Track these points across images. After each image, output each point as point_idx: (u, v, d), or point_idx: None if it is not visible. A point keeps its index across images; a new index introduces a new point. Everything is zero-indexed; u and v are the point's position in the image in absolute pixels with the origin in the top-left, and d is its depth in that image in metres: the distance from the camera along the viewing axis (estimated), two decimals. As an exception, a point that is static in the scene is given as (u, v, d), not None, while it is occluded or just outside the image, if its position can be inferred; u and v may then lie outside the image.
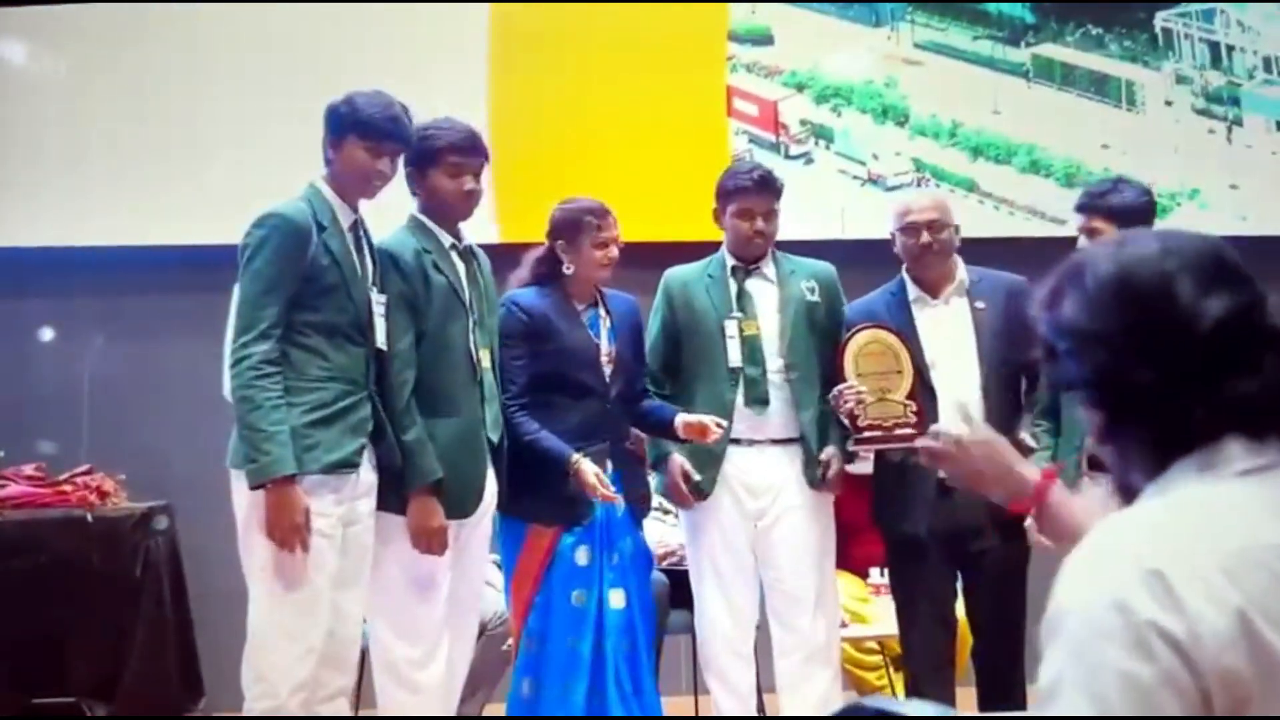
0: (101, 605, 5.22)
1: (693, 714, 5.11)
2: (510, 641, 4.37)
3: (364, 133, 3.56)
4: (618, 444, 4.09)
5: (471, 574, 3.94)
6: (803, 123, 6.75)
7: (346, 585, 3.51)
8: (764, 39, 6.78)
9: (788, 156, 6.72)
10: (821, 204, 6.46)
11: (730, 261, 4.31)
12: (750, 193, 4.21)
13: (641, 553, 4.23)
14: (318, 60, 6.32)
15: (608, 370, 4.10)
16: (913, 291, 4.10)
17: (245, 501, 3.41)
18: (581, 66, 6.63)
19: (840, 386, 3.93)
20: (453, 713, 3.95)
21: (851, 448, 4.04)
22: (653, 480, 4.42)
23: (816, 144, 6.75)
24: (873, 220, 6.57)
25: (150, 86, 6.37)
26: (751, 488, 4.22)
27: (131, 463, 5.62)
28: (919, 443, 3.79)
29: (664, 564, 5.25)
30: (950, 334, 4.08)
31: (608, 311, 4.19)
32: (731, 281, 4.28)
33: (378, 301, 3.59)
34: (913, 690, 4.08)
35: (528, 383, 4.01)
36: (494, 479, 3.91)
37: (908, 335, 4.03)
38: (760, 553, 4.26)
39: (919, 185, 6.73)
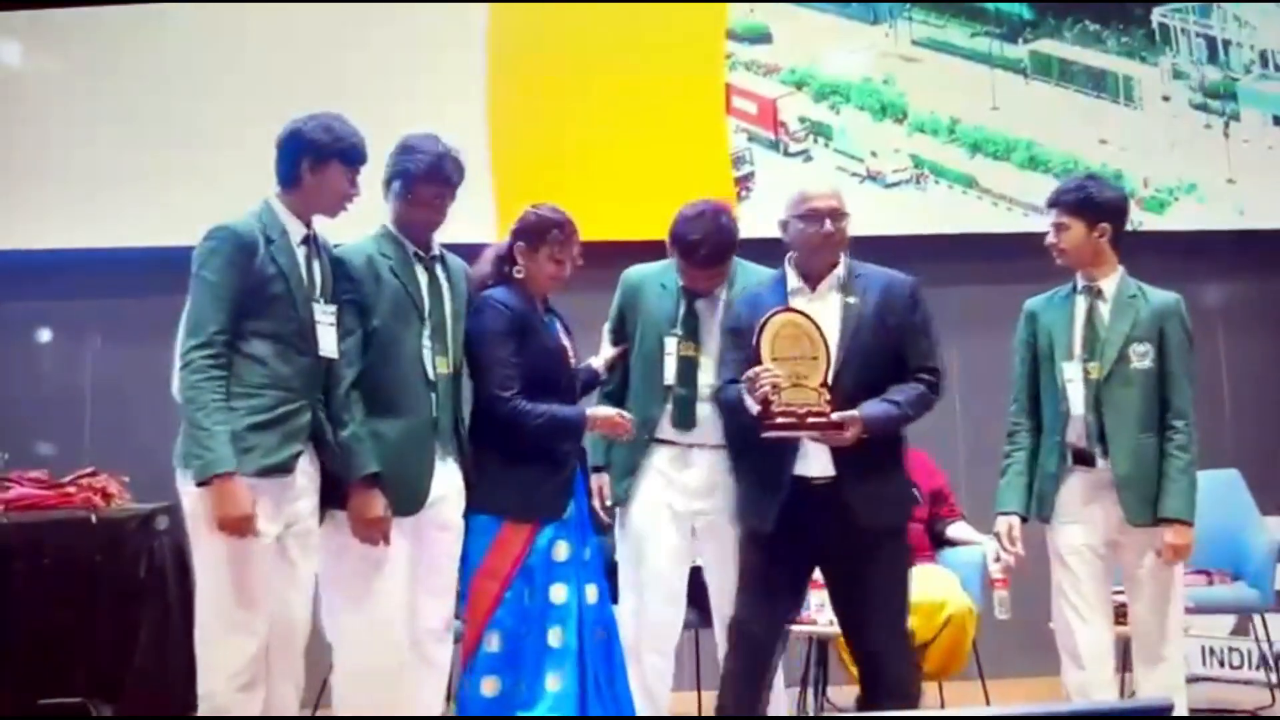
0: (106, 606, 5.23)
1: (695, 711, 5.13)
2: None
3: (347, 159, 3.74)
4: (575, 444, 4.13)
5: (438, 572, 3.96)
6: (801, 120, 6.78)
7: (291, 579, 3.64)
8: (762, 37, 6.80)
9: (787, 154, 6.75)
10: (820, 201, 6.48)
11: (682, 280, 4.27)
12: (692, 263, 4.15)
13: (600, 550, 4.25)
14: (319, 62, 6.35)
15: (571, 372, 4.17)
16: (793, 282, 3.99)
17: (191, 498, 3.56)
18: (580, 65, 6.65)
19: (756, 369, 3.77)
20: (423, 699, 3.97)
21: (762, 435, 3.81)
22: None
23: (815, 141, 6.78)
24: (871, 218, 6.60)
25: (154, 89, 6.40)
26: (683, 488, 4.21)
27: (135, 463, 5.63)
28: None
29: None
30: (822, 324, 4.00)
31: (556, 316, 4.22)
32: (682, 299, 4.25)
33: (323, 312, 3.72)
34: (727, 680, 3.98)
35: (522, 378, 4.01)
36: (454, 479, 3.95)
37: None
38: (699, 551, 4.28)
39: (918, 182, 6.76)
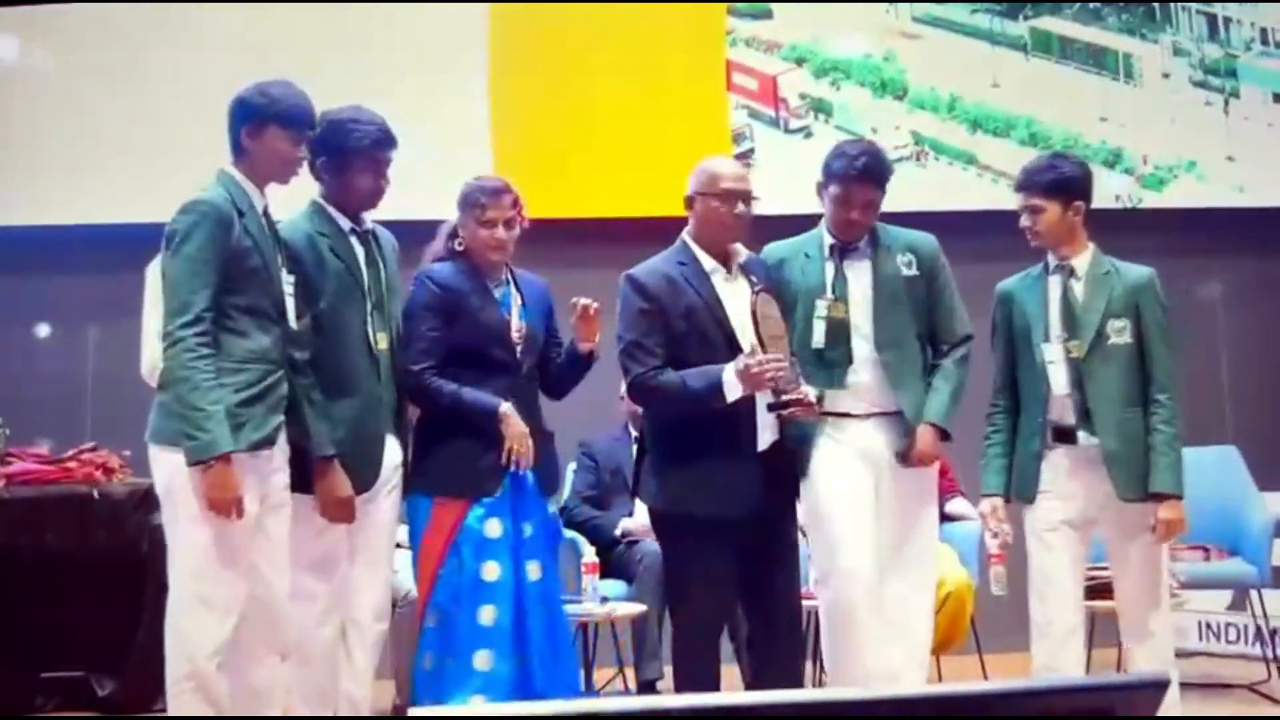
0: (107, 580, 5.24)
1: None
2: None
3: (285, 123, 3.68)
4: (527, 419, 4.05)
5: (375, 548, 3.98)
6: (802, 97, 6.78)
7: (268, 553, 3.64)
8: (763, 13, 6.80)
9: (787, 131, 6.76)
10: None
11: (828, 240, 4.15)
12: (853, 178, 4.04)
13: (550, 525, 4.20)
14: (319, 51, 6.32)
15: (518, 347, 4.08)
16: (708, 262, 3.94)
17: (170, 476, 3.54)
18: (581, 43, 6.65)
19: (762, 356, 3.72)
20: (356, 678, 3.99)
21: (778, 413, 3.81)
22: None
23: (815, 118, 6.78)
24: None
25: (157, 74, 6.41)
26: (863, 454, 4.10)
27: (136, 439, 5.64)
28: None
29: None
30: (742, 307, 3.96)
31: (519, 290, 4.19)
32: (830, 262, 4.16)
33: (288, 282, 3.73)
34: (678, 658, 3.97)
35: (442, 354, 4.01)
36: (397, 456, 3.97)
37: (714, 307, 3.88)
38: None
39: (918, 159, 6.76)
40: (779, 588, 3.97)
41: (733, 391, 3.74)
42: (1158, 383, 4.00)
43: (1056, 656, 3.98)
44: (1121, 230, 6.60)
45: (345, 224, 3.93)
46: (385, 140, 3.92)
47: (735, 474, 3.84)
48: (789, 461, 3.95)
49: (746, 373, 3.71)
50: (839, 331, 4.07)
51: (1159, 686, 1.68)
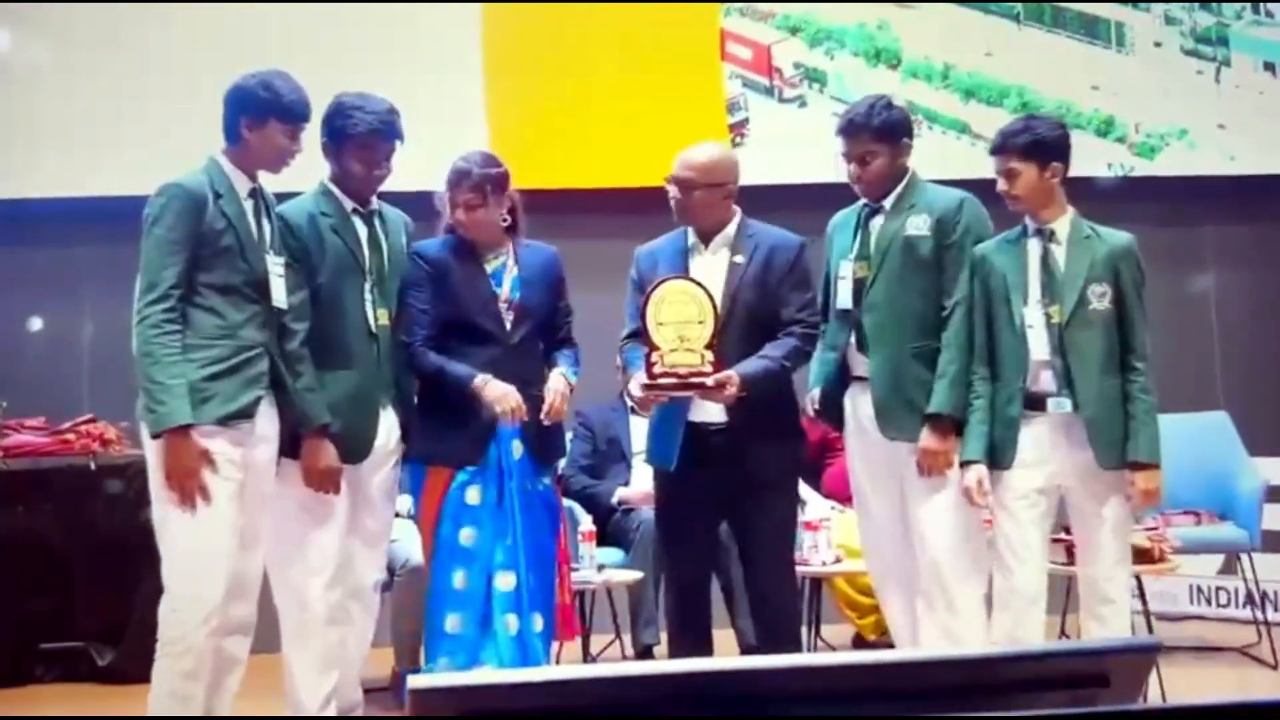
0: (106, 552, 5.28)
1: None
2: None
3: (286, 117, 3.76)
4: (521, 389, 4.08)
5: (374, 517, 4.09)
6: (796, 66, 6.77)
7: (246, 528, 3.68)
8: (757, -17, 6.79)
9: (781, 100, 6.75)
10: (814, 147, 6.47)
11: (862, 201, 4.16)
12: (842, 137, 4.08)
13: (539, 497, 4.19)
14: (315, 25, 6.29)
15: (509, 318, 4.14)
16: (691, 238, 4.09)
17: (151, 451, 3.61)
18: (576, 13, 6.63)
19: (638, 392, 3.98)
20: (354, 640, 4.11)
21: (638, 394, 3.97)
22: None
23: (810, 88, 6.78)
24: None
25: (156, 56, 6.37)
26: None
27: (133, 412, 5.65)
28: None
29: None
30: (709, 280, 4.01)
31: (516, 262, 4.23)
32: (859, 222, 4.14)
33: (274, 263, 3.79)
34: (672, 639, 4.16)
35: (432, 326, 4.09)
36: (393, 429, 4.07)
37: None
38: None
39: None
40: (757, 560, 4.10)
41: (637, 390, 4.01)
42: (1136, 350, 3.95)
43: (1019, 625, 3.93)
44: (1113, 198, 6.64)
45: (349, 204, 4.03)
46: (383, 131, 3.98)
47: (670, 435, 4.04)
48: (747, 442, 3.99)
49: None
50: (860, 292, 4.09)
51: (1152, 651, 1.71)
